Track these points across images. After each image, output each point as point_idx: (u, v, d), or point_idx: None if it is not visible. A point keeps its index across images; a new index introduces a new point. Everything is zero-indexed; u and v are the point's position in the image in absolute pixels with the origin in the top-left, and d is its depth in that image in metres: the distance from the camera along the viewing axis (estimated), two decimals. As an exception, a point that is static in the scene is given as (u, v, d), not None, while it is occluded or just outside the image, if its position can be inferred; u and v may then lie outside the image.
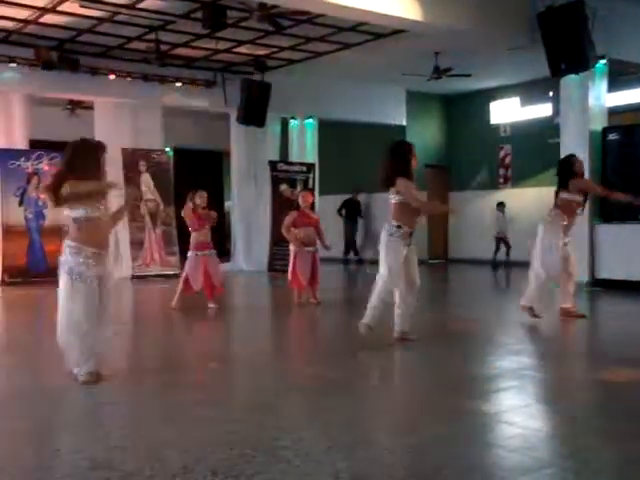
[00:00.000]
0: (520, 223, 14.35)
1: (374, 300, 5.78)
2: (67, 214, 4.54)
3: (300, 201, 8.63)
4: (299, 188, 13.98)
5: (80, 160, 4.56)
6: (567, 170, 7.10)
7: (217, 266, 8.35)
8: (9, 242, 11.44)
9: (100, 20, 10.21)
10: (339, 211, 15.93)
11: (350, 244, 15.84)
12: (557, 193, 7.09)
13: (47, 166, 11.63)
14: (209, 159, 18.33)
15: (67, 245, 4.55)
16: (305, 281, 8.34)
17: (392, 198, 5.79)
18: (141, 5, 9.54)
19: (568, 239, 7.00)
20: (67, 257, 4.52)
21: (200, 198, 8.19)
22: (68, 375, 4.55)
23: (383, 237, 5.81)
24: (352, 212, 15.97)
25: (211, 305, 8.16)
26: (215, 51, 12.03)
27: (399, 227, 5.74)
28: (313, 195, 8.82)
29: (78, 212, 4.49)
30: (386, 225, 5.83)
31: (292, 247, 8.56)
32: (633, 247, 9.44)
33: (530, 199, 14.39)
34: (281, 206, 13.92)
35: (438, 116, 16.22)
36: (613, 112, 10.89)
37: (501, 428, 3.63)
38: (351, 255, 15.82)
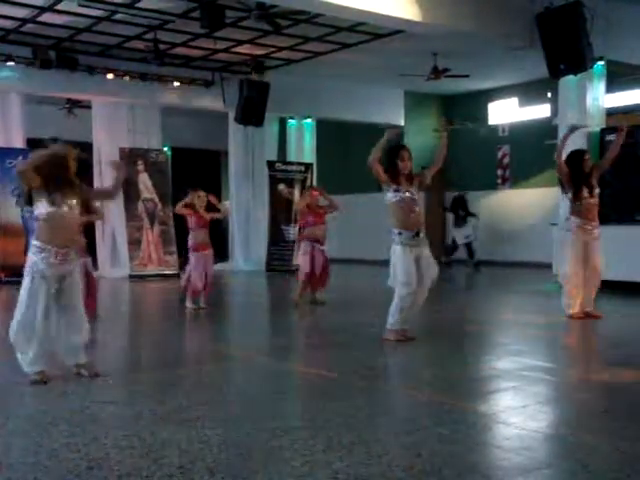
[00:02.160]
0: (519, 224, 14.39)
1: (395, 309, 5.85)
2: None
3: (308, 200, 8.62)
4: (297, 188, 13.99)
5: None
6: (575, 167, 7.01)
7: (212, 266, 8.37)
8: (6, 241, 11.43)
9: (98, 19, 10.21)
10: (452, 209, 14.72)
11: (455, 245, 14.62)
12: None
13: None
14: (207, 159, 18.33)
15: (32, 244, 4.59)
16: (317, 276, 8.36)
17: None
18: (139, 4, 9.53)
19: (593, 239, 6.97)
20: (29, 255, 4.55)
21: (199, 198, 8.20)
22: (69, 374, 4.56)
23: (392, 246, 5.87)
24: (462, 210, 14.70)
25: (203, 305, 8.20)
26: (213, 51, 12.03)
27: (400, 234, 5.80)
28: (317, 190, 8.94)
29: (39, 209, 4.50)
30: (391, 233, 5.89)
31: (303, 245, 8.56)
32: (631, 248, 9.43)
33: (528, 200, 14.42)
34: (279, 206, 13.95)
35: (436, 116, 16.21)
36: (611, 113, 10.89)
37: (499, 428, 3.63)
38: (454, 256, 14.58)
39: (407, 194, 5.84)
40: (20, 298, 4.57)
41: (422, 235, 5.93)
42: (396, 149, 6.00)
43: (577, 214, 6.98)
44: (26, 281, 4.55)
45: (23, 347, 4.57)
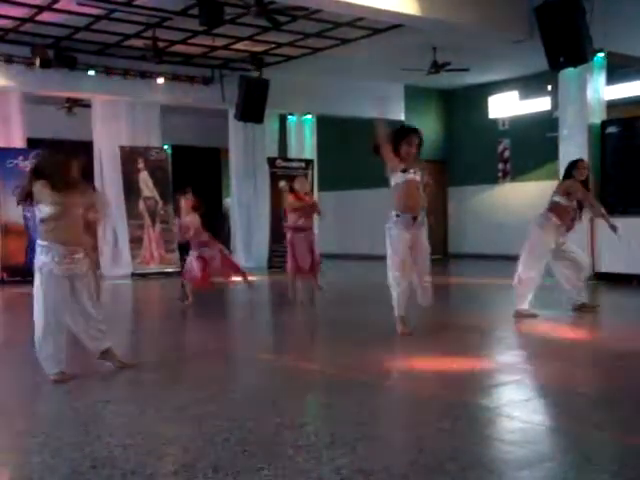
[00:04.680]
0: (519, 218, 14.37)
1: (392, 294, 5.89)
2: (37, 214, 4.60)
3: (297, 187, 8.60)
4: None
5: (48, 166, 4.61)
6: (567, 172, 7.04)
7: (217, 261, 8.39)
8: (8, 241, 11.45)
9: (97, 18, 10.20)
10: None
11: None
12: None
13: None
14: (207, 156, 18.31)
15: (38, 244, 4.60)
16: (306, 266, 8.33)
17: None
18: (138, 2, 9.52)
19: (563, 239, 6.94)
20: (37, 256, 4.57)
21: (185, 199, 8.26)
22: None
23: (388, 229, 5.85)
24: None
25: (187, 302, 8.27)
26: (212, 48, 12.01)
27: (397, 216, 5.81)
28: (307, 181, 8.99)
29: (43, 210, 4.52)
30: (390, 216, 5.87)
31: (288, 234, 8.58)
32: (634, 241, 9.42)
33: (529, 193, 14.39)
34: (280, 202, 13.94)
35: (436, 111, 16.21)
36: (612, 105, 10.87)
37: (502, 422, 3.63)
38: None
39: (412, 176, 5.83)
40: (34, 300, 4.57)
41: (420, 219, 5.92)
42: (406, 132, 5.94)
43: (557, 214, 6.93)
44: (37, 282, 4.56)
45: (42, 348, 4.57)
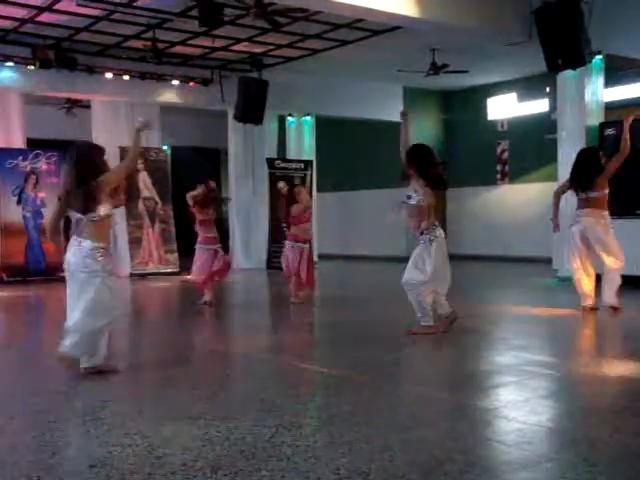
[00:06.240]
0: (518, 219, 14.39)
1: (418, 300, 5.93)
2: (102, 212, 4.55)
3: (298, 199, 8.57)
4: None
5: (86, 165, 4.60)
6: (595, 164, 7.14)
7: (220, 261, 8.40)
8: (7, 241, 11.45)
9: (97, 19, 10.22)
10: None
11: None
12: (583, 191, 7.13)
13: (45, 165, 11.71)
14: (207, 157, 18.33)
15: (92, 246, 4.50)
16: (293, 272, 8.34)
17: (421, 200, 5.90)
18: (138, 3, 9.53)
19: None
20: (98, 257, 4.51)
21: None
22: (73, 372, 4.61)
23: (431, 240, 5.89)
24: None
25: (206, 299, 8.24)
26: (212, 49, 12.03)
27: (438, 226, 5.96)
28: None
29: (102, 211, 4.55)
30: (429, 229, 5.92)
31: (287, 242, 8.61)
32: (632, 242, 9.42)
33: (528, 195, 14.43)
34: (279, 203, 13.95)
35: (435, 112, 16.23)
36: (610, 107, 10.89)
37: (500, 423, 3.64)
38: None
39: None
40: (94, 301, 4.50)
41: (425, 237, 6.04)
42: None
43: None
44: (97, 283, 4.50)
45: (94, 347, 4.64)
